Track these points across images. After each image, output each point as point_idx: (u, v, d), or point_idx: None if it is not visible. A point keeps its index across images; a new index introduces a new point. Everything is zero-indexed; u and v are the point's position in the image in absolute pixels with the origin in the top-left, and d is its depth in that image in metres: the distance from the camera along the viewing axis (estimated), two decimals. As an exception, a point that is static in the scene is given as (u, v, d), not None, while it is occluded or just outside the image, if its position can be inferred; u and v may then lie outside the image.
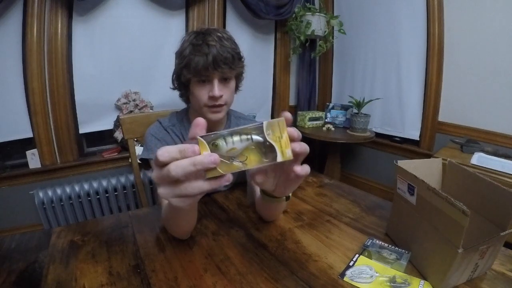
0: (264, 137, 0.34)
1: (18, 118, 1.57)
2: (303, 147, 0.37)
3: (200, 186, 0.33)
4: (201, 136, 0.33)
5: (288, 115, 0.35)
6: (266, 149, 0.34)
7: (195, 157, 0.32)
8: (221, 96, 0.73)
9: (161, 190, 0.35)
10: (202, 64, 0.69)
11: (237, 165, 0.33)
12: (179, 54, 0.74)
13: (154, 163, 0.35)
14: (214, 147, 0.33)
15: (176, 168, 0.32)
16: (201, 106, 0.75)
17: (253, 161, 0.34)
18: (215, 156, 0.32)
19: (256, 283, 0.52)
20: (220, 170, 0.33)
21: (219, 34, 0.72)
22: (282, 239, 0.66)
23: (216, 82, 0.72)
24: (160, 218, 0.67)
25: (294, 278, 0.53)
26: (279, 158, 0.34)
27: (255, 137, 0.34)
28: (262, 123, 0.34)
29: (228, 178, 0.33)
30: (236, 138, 0.33)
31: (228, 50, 0.71)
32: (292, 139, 0.35)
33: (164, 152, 0.32)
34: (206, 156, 0.32)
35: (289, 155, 0.35)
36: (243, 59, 0.78)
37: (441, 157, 0.87)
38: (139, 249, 0.62)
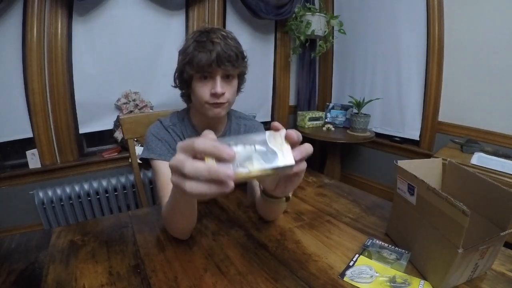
0: (266, 146, 0.35)
1: (18, 118, 1.57)
2: (304, 153, 0.38)
3: (201, 187, 0.33)
4: None
5: (283, 128, 0.38)
6: (269, 156, 0.35)
7: (212, 165, 0.32)
8: (223, 94, 0.73)
9: (171, 177, 0.36)
10: (205, 60, 0.69)
11: (242, 171, 0.33)
12: (183, 51, 0.74)
13: (179, 149, 0.35)
14: (234, 156, 0.33)
15: (191, 166, 0.32)
16: (203, 103, 0.75)
17: (256, 166, 0.34)
18: (231, 170, 0.32)
19: (256, 283, 0.52)
20: None
21: (223, 33, 0.73)
22: (282, 239, 0.66)
23: (218, 79, 0.72)
24: (160, 217, 0.67)
25: (294, 278, 0.53)
26: (281, 163, 0.35)
27: (258, 146, 0.35)
28: (265, 133, 0.36)
29: (231, 187, 0.33)
30: (240, 147, 0.34)
31: (232, 49, 0.71)
32: (292, 142, 0.37)
33: (201, 142, 0.33)
34: (223, 168, 0.32)
35: (290, 160, 0.36)
36: (246, 59, 0.79)
37: (441, 157, 0.87)
38: (139, 249, 0.62)
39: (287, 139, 0.37)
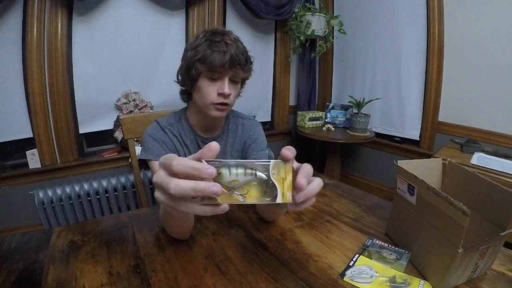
0: (268, 176, 0.34)
1: (18, 118, 1.57)
2: (309, 195, 0.36)
3: (192, 208, 0.33)
4: (207, 161, 0.32)
5: (292, 159, 0.35)
6: (268, 187, 0.34)
7: (197, 183, 0.31)
8: (229, 95, 0.75)
9: (157, 194, 0.35)
10: (218, 60, 0.70)
11: (237, 197, 0.33)
12: (193, 47, 0.74)
13: (160, 166, 0.33)
14: (216, 175, 0.32)
15: (176, 187, 0.31)
16: (207, 103, 0.75)
17: (253, 197, 0.33)
18: (218, 187, 0.30)
19: (256, 283, 0.52)
20: (218, 199, 0.32)
21: (234, 36, 0.75)
22: (282, 239, 0.66)
23: (227, 80, 0.74)
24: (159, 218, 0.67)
25: (294, 278, 0.53)
26: (279, 199, 0.34)
27: (260, 173, 0.34)
28: (269, 162, 0.34)
29: (224, 208, 0.32)
30: (240, 170, 0.33)
31: (242, 53, 0.73)
32: (298, 188, 0.35)
33: (179, 164, 0.31)
34: (209, 185, 0.30)
35: (289, 198, 0.35)
36: (252, 65, 0.80)
37: (441, 157, 0.87)
38: (139, 249, 0.62)
39: (295, 183, 0.34)
